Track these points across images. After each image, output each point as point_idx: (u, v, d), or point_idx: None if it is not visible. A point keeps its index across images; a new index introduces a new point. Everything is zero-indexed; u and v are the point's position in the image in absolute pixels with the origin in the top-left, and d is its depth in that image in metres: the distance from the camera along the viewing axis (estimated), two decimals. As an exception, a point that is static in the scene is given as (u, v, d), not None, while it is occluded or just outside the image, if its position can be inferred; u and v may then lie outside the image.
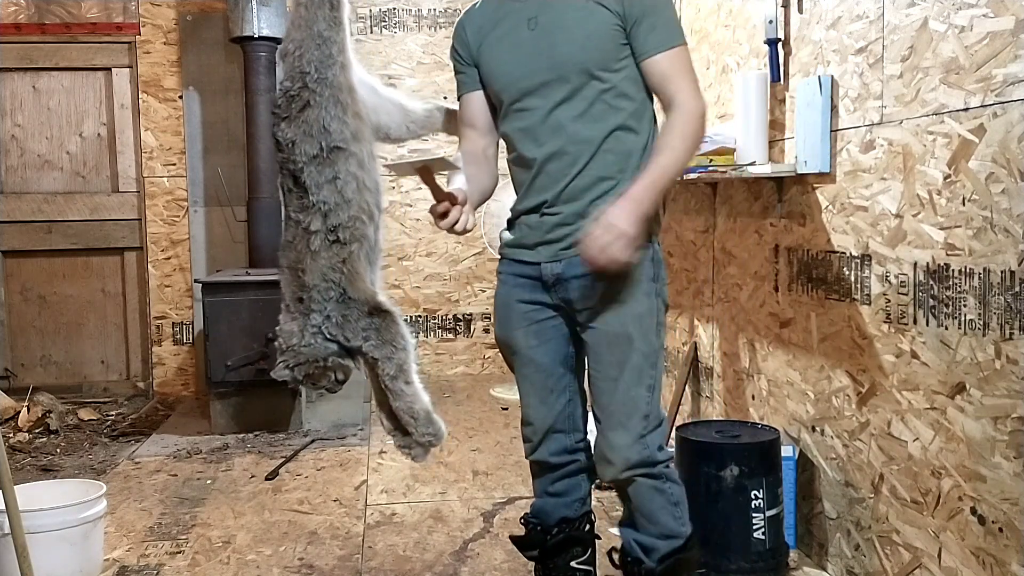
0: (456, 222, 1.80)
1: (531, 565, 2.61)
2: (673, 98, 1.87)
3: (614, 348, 1.91)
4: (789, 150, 2.66)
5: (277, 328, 2.01)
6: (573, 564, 2.09)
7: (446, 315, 5.22)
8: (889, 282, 2.17)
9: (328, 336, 1.98)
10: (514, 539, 2.19)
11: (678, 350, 3.68)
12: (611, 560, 2.09)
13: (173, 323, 4.97)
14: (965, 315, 1.89)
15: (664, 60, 1.86)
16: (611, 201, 1.82)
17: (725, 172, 2.74)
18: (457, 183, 1.89)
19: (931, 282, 2.01)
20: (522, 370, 2.05)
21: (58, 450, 3.93)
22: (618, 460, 1.92)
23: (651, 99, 1.95)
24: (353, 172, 1.97)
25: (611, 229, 1.74)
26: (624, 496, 1.99)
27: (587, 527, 2.12)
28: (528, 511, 2.15)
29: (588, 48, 1.87)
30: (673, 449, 2.01)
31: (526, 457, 2.12)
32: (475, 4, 2.04)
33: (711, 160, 2.74)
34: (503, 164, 2.05)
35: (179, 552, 2.75)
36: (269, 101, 4.55)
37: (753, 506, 2.39)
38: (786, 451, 2.54)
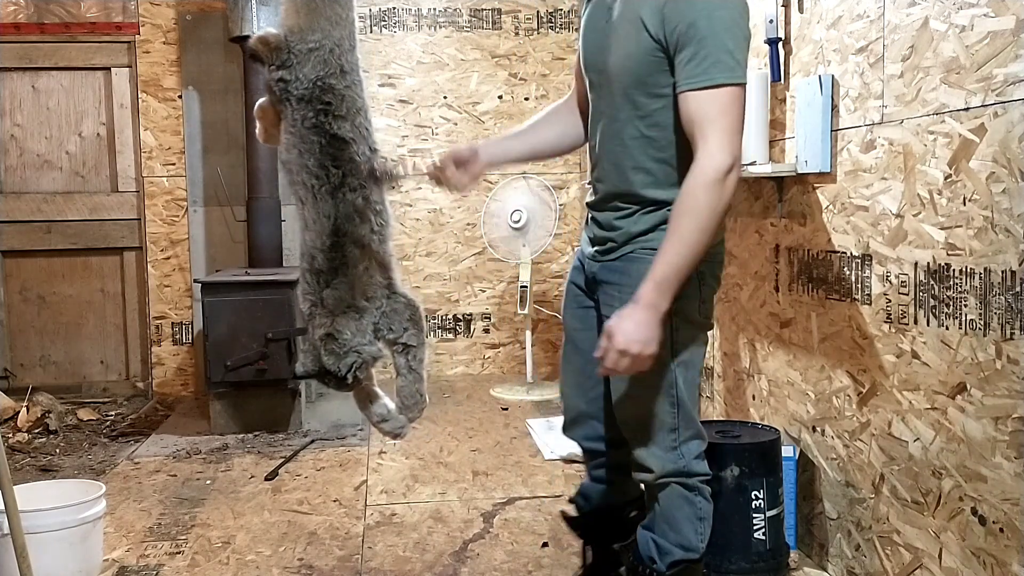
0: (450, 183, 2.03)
1: (531, 565, 2.62)
2: (696, 147, 1.71)
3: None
4: (789, 150, 2.66)
5: (336, 330, 2.00)
6: (616, 547, 2.11)
7: (446, 315, 5.22)
8: (890, 282, 2.17)
9: (378, 332, 2.04)
10: (564, 516, 2.25)
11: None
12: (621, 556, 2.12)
13: (172, 323, 4.97)
14: (966, 315, 1.89)
15: (692, 99, 1.70)
16: (649, 227, 1.83)
17: (725, 172, 2.74)
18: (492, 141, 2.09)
19: (932, 282, 2.00)
20: (566, 347, 2.11)
21: (57, 450, 3.92)
22: (656, 468, 1.92)
23: None
24: None
25: (620, 351, 1.72)
26: (652, 498, 1.98)
27: (632, 513, 2.12)
28: (578, 488, 2.21)
29: (625, 70, 1.80)
30: (705, 461, 1.98)
31: (562, 432, 2.18)
32: None
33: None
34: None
35: (179, 552, 2.75)
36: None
37: (754, 506, 2.38)
38: (786, 451, 2.54)
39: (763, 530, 2.39)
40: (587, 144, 2.04)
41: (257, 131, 2.22)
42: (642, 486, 2.02)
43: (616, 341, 1.72)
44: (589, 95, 1.96)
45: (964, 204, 1.89)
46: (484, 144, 2.11)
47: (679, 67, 1.72)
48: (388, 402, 2.17)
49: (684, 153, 1.79)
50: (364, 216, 2.00)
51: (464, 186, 2.09)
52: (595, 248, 1.96)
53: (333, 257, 2.00)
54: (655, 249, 1.80)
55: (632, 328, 1.72)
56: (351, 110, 1.99)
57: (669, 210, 1.78)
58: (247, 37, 4.40)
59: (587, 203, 2.03)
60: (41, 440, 4.08)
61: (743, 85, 1.71)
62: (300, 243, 2.07)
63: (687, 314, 1.85)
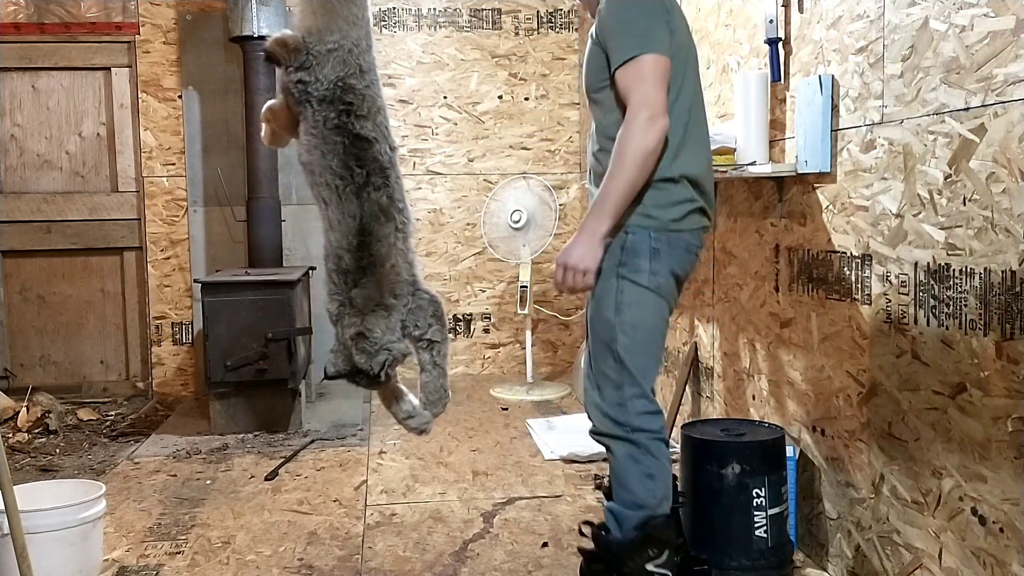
0: None
1: (531, 565, 2.62)
2: (627, 108, 2.02)
3: (589, 325, 2.18)
4: (789, 150, 2.66)
5: (367, 328, 2.00)
6: (648, 567, 2.13)
7: (446, 315, 5.21)
8: (890, 282, 2.17)
9: (404, 329, 2.07)
10: (599, 487, 2.50)
11: (678, 350, 3.67)
12: (580, 533, 2.28)
13: (172, 323, 4.97)
14: (966, 315, 1.89)
15: (619, 76, 2.03)
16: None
17: (725, 172, 2.74)
18: None
19: (932, 282, 2.00)
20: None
21: (57, 450, 3.92)
22: (596, 417, 2.14)
23: None
24: (401, 171, 2.09)
25: (560, 264, 2.04)
26: (609, 464, 2.16)
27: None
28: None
29: (587, 76, 2.18)
30: (660, 420, 2.14)
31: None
32: None
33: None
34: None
35: (179, 552, 2.75)
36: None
37: (755, 504, 2.38)
38: (786, 451, 2.54)
39: (764, 528, 2.39)
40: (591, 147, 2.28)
41: (263, 133, 2.22)
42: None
43: (558, 259, 2.05)
44: None
45: (964, 204, 1.89)
46: None
47: (609, 59, 2.06)
48: (413, 399, 2.18)
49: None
50: (389, 214, 2.01)
51: None
52: None
53: (361, 256, 2.01)
54: (623, 229, 2.08)
55: (570, 247, 2.04)
56: (372, 109, 2.00)
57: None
58: (247, 37, 4.42)
59: None
60: (41, 440, 4.08)
61: (655, 53, 2.01)
62: (324, 244, 2.07)
63: (634, 278, 2.08)
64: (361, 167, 1.99)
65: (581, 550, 2.27)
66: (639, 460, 2.08)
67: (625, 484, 2.10)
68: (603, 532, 2.15)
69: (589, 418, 2.17)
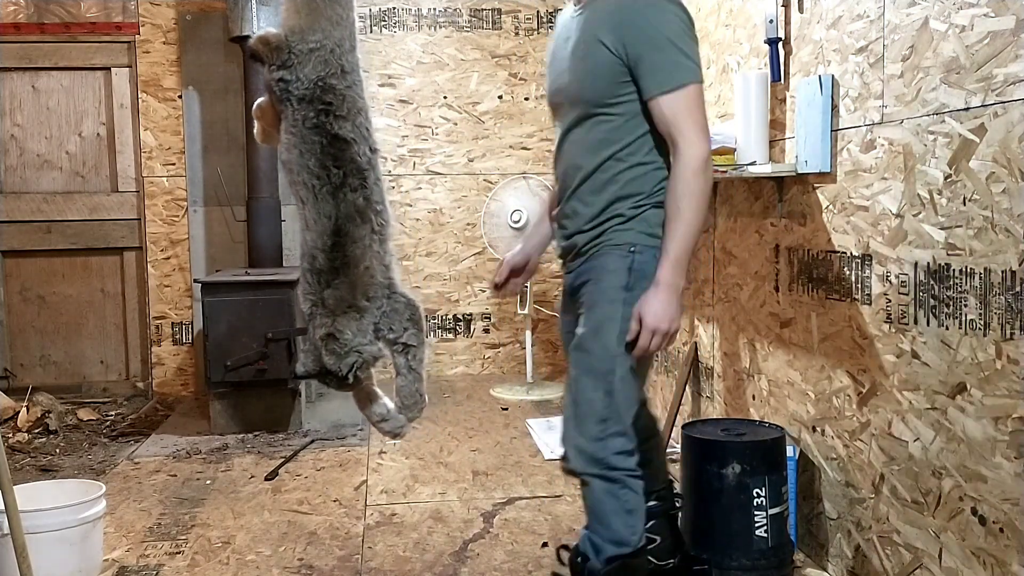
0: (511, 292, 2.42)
1: (531, 565, 2.62)
2: (674, 143, 1.92)
3: (576, 350, 2.02)
4: (789, 150, 2.66)
5: (337, 329, 2.00)
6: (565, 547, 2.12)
7: (446, 315, 5.22)
8: (890, 282, 2.17)
9: (379, 332, 2.05)
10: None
11: (678, 350, 3.67)
12: (558, 558, 2.19)
13: (172, 323, 4.97)
14: (966, 315, 1.89)
15: (662, 103, 1.91)
16: (611, 226, 1.98)
17: (725, 172, 2.74)
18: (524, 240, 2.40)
19: (932, 282, 2.00)
20: None
21: (57, 450, 3.92)
22: (572, 454, 1.99)
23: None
24: (382, 173, 2.07)
25: (649, 329, 1.89)
26: (584, 497, 2.04)
27: (651, 503, 2.12)
28: None
29: (586, 85, 1.97)
30: (635, 458, 2.02)
31: None
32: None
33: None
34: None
35: (178, 552, 2.75)
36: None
37: (755, 504, 2.38)
38: (786, 451, 2.54)
39: (765, 528, 2.39)
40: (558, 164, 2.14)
41: (255, 131, 2.23)
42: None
43: (644, 320, 1.89)
44: (554, 122, 2.13)
45: (964, 204, 1.89)
46: (525, 242, 2.38)
47: (642, 77, 1.91)
48: (388, 402, 2.17)
49: (646, 146, 1.98)
50: (365, 216, 2.00)
51: (520, 290, 2.64)
52: (567, 260, 2.15)
53: (334, 257, 2.00)
54: (627, 247, 1.99)
55: (653, 307, 1.89)
56: (352, 110, 1.99)
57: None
58: (247, 37, 4.40)
59: (555, 216, 2.19)
60: (41, 440, 4.08)
61: (700, 82, 1.93)
62: (301, 243, 2.06)
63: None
64: (338, 168, 1.98)
65: None
66: (618, 496, 1.97)
67: (604, 520, 1.99)
68: (580, 559, 2.03)
69: (564, 455, 2.03)
